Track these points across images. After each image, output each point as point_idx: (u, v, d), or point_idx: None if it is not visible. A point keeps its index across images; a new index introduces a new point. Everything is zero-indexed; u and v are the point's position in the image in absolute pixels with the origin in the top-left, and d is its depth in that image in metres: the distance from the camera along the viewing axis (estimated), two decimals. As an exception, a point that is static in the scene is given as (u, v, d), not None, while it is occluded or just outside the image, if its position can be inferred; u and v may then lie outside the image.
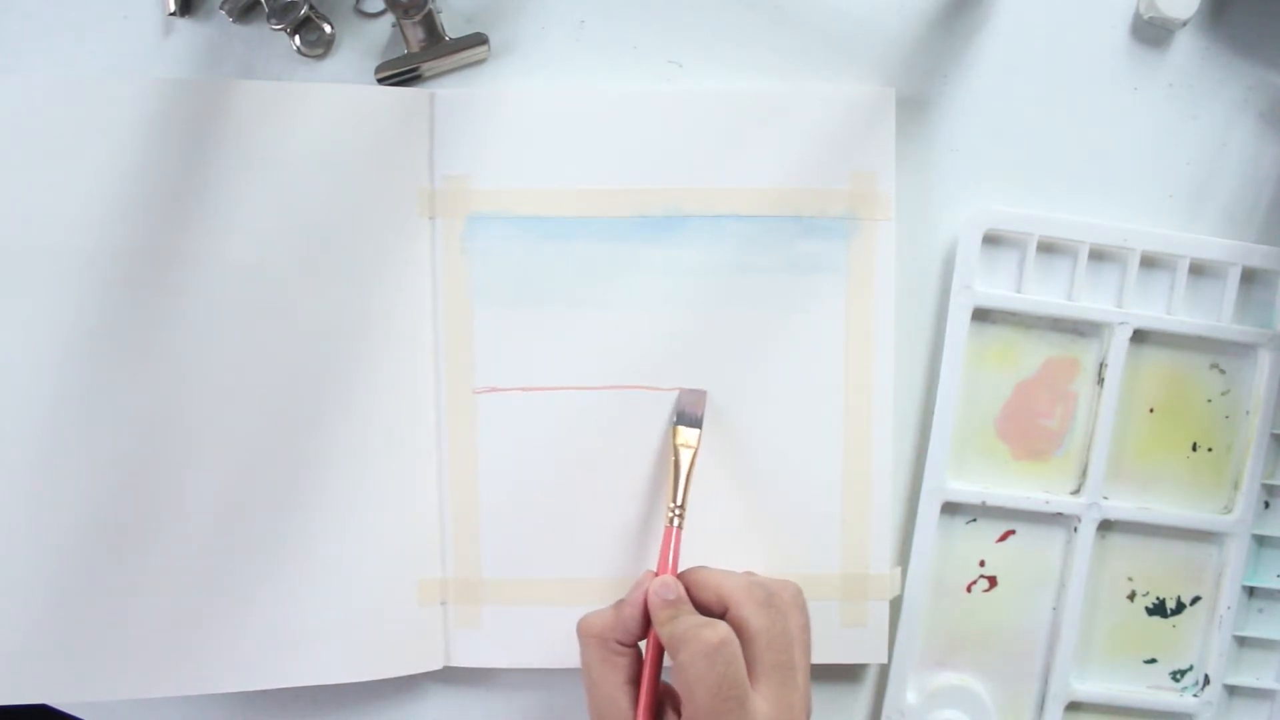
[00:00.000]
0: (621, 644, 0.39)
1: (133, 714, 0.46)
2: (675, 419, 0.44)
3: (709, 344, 0.45)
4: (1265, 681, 0.47)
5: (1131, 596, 0.47)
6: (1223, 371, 0.47)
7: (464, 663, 0.46)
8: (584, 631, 0.40)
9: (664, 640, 0.38)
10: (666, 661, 0.39)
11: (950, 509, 0.46)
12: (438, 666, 0.45)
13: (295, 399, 0.44)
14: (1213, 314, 0.46)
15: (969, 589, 0.47)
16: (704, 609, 0.39)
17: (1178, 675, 0.47)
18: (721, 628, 0.37)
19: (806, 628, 0.40)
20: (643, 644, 0.40)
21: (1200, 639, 0.47)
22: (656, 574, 0.41)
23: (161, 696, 0.45)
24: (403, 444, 0.45)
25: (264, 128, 0.44)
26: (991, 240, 0.46)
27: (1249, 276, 0.46)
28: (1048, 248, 0.46)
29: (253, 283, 0.44)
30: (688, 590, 0.40)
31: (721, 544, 0.45)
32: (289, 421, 0.44)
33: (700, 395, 0.45)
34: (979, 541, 0.47)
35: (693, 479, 0.43)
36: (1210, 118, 0.47)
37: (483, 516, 0.45)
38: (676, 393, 0.45)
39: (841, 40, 0.46)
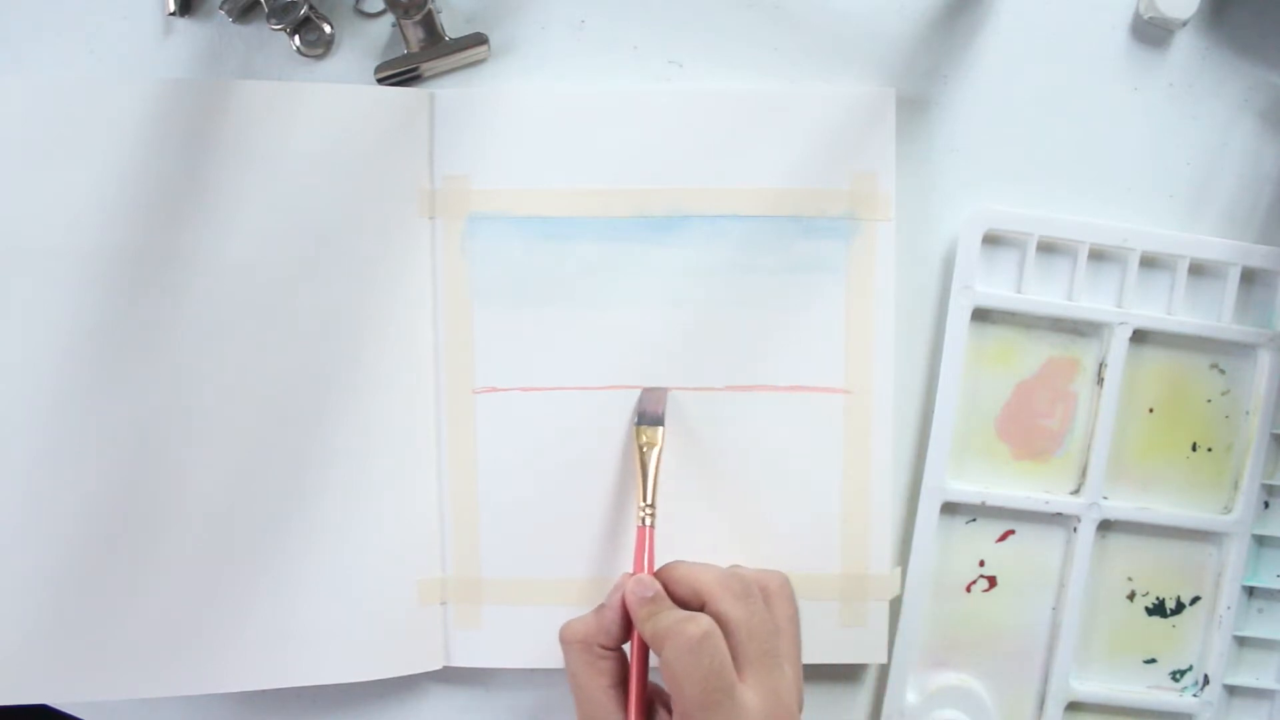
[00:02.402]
0: (604, 648, 0.39)
1: (133, 714, 0.46)
2: (636, 419, 0.44)
3: (709, 344, 0.45)
4: (1265, 681, 0.47)
5: (1131, 596, 0.47)
6: (1223, 371, 0.47)
7: (464, 663, 0.46)
8: (566, 638, 0.40)
9: (647, 638, 0.38)
10: (654, 661, 0.38)
11: (950, 509, 0.46)
12: (437, 666, 0.45)
13: (295, 399, 0.44)
14: (1213, 314, 0.46)
15: (969, 589, 0.47)
16: (683, 604, 0.39)
17: (1177, 675, 0.47)
18: (703, 620, 0.37)
19: (794, 617, 0.40)
20: (626, 646, 0.40)
21: (1200, 639, 0.47)
22: (633, 574, 0.41)
23: (161, 696, 0.45)
24: (402, 444, 0.45)
25: (264, 128, 0.44)
26: (991, 240, 0.46)
27: (1249, 276, 0.46)
28: (1048, 248, 0.46)
29: (253, 283, 0.44)
30: (665, 586, 0.40)
31: (722, 544, 0.45)
32: (288, 421, 0.44)
33: (661, 394, 0.45)
34: (979, 541, 0.47)
35: (661, 476, 0.43)
36: (1210, 118, 0.47)
37: (482, 516, 0.45)
38: (639, 392, 0.45)
39: (841, 40, 0.46)
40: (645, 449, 0.43)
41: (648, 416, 0.44)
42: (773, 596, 0.39)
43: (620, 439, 0.45)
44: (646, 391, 0.45)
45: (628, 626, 0.39)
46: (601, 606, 0.40)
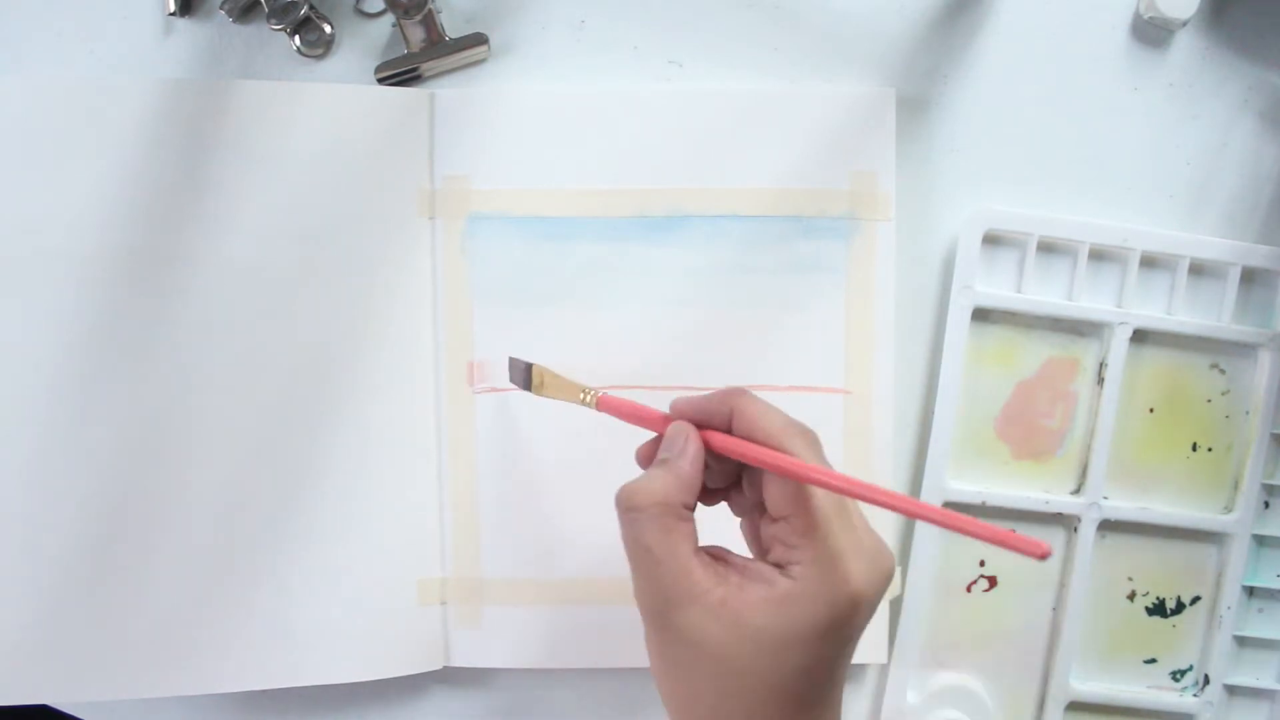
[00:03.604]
0: (687, 507, 0.35)
1: (133, 714, 0.46)
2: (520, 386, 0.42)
3: (709, 344, 0.45)
4: (1265, 681, 0.47)
5: (1131, 596, 0.47)
6: (1223, 371, 0.47)
7: (464, 663, 0.46)
8: (641, 503, 0.34)
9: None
10: None
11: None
12: (437, 666, 0.45)
13: (295, 399, 0.44)
14: (1213, 314, 0.46)
15: (969, 589, 0.47)
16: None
17: (1178, 675, 0.47)
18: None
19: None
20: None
21: (1200, 639, 0.47)
22: (670, 417, 0.36)
23: (161, 696, 0.45)
24: (402, 444, 0.45)
25: (264, 128, 0.44)
26: (991, 240, 0.46)
27: (1249, 276, 0.46)
28: (1048, 248, 0.46)
29: (253, 283, 0.44)
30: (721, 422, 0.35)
31: (721, 544, 0.45)
32: (289, 421, 0.44)
33: (513, 363, 0.43)
34: (979, 541, 0.46)
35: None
36: (1210, 118, 0.47)
37: (482, 516, 0.45)
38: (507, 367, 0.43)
39: (841, 40, 0.46)
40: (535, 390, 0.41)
41: (516, 377, 0.43)
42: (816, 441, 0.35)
43: (618, 439, 0.45)
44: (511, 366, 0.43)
45: (700, 481, 0.35)
46: (666, 461, 0.35)
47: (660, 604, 0.34)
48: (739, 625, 0.32)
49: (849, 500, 0.34)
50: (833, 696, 0.34)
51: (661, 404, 0.45)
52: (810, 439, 0.35)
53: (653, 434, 0.38)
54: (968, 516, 0.32)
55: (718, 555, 0.35)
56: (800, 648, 0.32)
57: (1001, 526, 0.46)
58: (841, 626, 0.33)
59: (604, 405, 0.39)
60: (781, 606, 0.33)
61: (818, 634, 0.32)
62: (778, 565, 0.34)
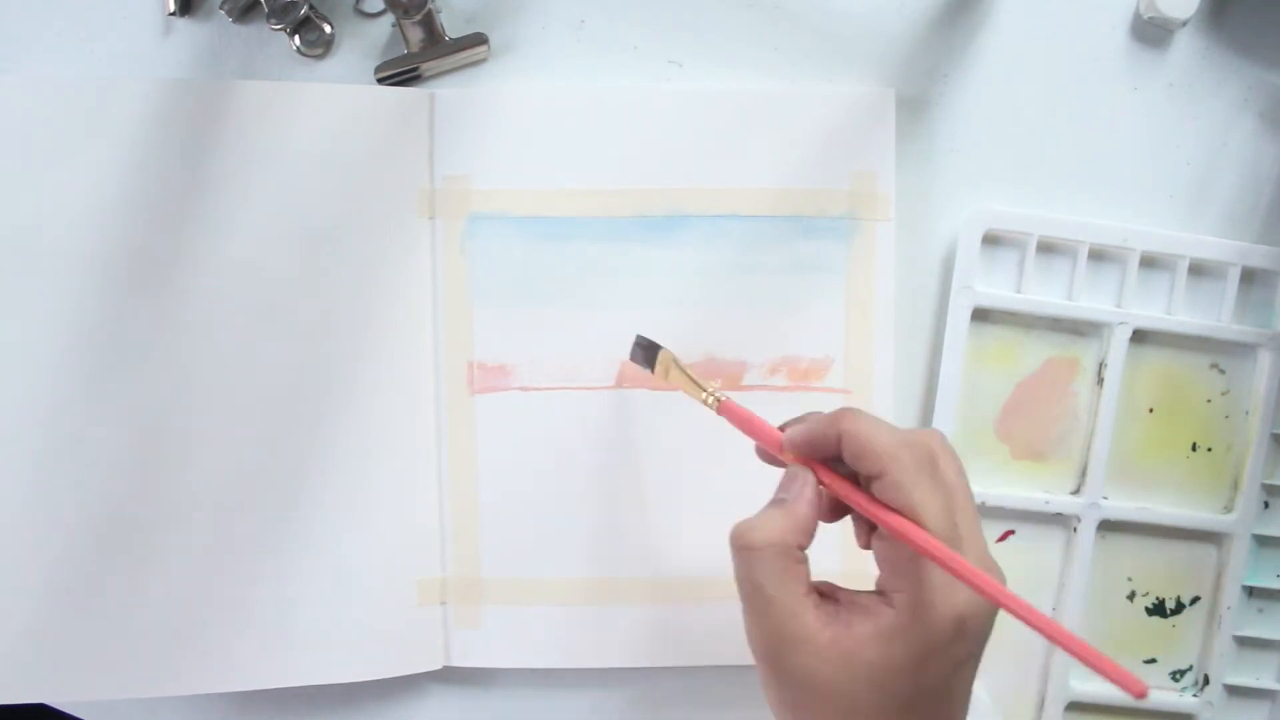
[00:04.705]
0: (801, 549, 0.35)
1: (133, 714, 0.46)
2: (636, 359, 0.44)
3: (709, 344, 0.45)
4: (1265, 681, 0.47)
5: (1131, 596, 0.47)
6: (1223, 371, 0.47)
7: (464, 662, 0.46)
8: (758, 542, 0.34)
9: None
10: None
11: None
12: (437, 666, 0.45)
13: (295, 399, 0.44)
14: (1213, 314, 0.46)
15: (969, 589, 0.47)
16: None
17: (1177, 675, 0.47)
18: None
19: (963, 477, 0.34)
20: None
21: (1200, 639, 0.47)
22: (787, 449, 0.36)
23: (161, 696, 0.45)
24: (402, 444, 0.45)
25: (264, 128, 0.44)
26: (991, 240, 0.46)
27: (1249, 276, 0.46)
28: (1048, 248, 0.46)
29: (253, 283, 0.44)
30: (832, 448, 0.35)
31: (722, 543, 0.45)
32: (288, 421, 0.44)
33: (640, 342, 0.43)
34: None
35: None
36: (1210, 118, 0.47)
37: (482, 516, 0.45)
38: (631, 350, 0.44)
39: (841, 40, 0.46)
40: (664, 375, 0.42)
41: (638, 355, 0.44)
42: (953, 473, 0.34)
43: (618, 439, 0.45)
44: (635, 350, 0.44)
45: (816, 522, 0.35)
46: (782, 502, 0.35)
47: (772, 645, 0.34)
48: (848, 664, 0.33)
49: (959, 517, 0.33)
50: (953, 716, 0.34)
51: (666, 403, 0.45)
52: (918, 456, 0.33)
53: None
54: (1076, 637, 0.31)
55: (827, 593, 0.35)
56: (905, 677, 0.33)
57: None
58: (945, 650, 0.33)
59: (724, 410, 0.39)
60: (886, 639, 0.33)
61: (921, 661, 0.33)
62: (882, 593, 0.34)
